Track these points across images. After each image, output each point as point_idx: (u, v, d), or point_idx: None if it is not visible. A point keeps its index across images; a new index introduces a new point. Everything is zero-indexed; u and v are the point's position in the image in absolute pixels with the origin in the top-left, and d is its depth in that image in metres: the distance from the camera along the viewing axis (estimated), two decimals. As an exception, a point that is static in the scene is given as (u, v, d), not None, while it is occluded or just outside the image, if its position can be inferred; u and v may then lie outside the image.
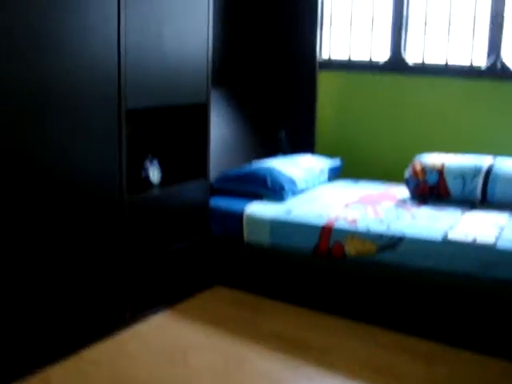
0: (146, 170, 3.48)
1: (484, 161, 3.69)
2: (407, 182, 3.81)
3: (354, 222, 3.37)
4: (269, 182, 3.79)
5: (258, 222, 3.57)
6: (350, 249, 3.30)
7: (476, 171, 3.62)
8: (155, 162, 3.51)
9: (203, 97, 3.60)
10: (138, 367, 2.86)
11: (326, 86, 4.64)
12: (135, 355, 2.98)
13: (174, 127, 3.71)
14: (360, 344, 3.11)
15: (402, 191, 3.92)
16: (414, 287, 3.19)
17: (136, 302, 3.29)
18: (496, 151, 3.90)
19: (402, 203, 3.70)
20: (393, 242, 3.20)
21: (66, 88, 2.75)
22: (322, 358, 2.97)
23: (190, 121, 3.68)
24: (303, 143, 4.60)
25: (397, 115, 4.43)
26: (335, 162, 4.36)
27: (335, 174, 4.37)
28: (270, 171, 3.86)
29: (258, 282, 3.63)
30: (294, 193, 3.87)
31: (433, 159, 3.79)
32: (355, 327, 3.28)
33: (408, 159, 4.01)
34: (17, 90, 2.54)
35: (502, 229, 3.17)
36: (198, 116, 3.65)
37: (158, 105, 3.34)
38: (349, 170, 4.43)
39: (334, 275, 3.40)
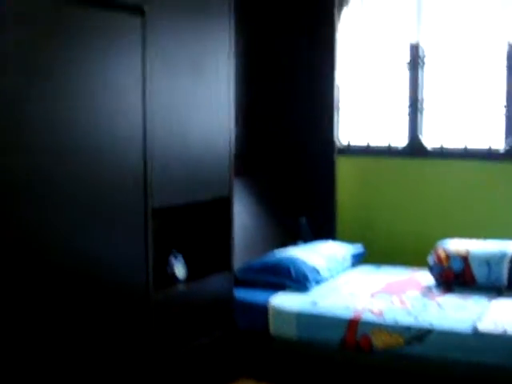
0: (171, 266, 3.49)
1: (509, 246, 3.67)
2: (431, 269, 3.79)
3: (381, 313, 3.34)
4: (293, 273, 3.78)
5: (283, 314, 3.54)
6: (378, 341, 3.26)
7: (501, 257, 3.60)
8: (180, 257, 3.52)
9: (226, 190, 3.64)
10: None
11: (346, 172, 4.68)
12: None
13: (198, 221, 3.74)
14: None
15: (427, 277, 3.89)
16: (443, 380, 3.14)
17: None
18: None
19: (427, 291, 3.67)
20: (421, 334, 3.16)
21: (91, 185, 2.77)
22: None
23: (214, 214, 3.71)
24: (324, 229, 4.61)
25: (417, 199, 4.44)
26: (357, 248, 4.35)
27: (358, 260, 4.35)
28: (293, 261, 3.86)
29: (285, 375, 3.58)
30: (318, 282, 3.86)
31: (456, 245, 3.77)
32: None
33: (430, 243, 4.00)
34: (44, 187, 2.56)
35: (531, 318, 3.14)
36: (222, 209, 3.69)
37: (183, 202, 3.38)
38: (371, 255, 4.42)
39: (361, 369, 3.35)
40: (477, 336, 3.05)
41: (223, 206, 3.68)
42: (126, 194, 2.98)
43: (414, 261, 4.22)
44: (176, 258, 3.52)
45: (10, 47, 2.40)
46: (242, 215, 4.11)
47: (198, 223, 3.75)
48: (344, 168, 4.69)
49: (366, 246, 4.41)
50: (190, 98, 3.34)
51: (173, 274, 3.49)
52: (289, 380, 3.56)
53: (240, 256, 3.97)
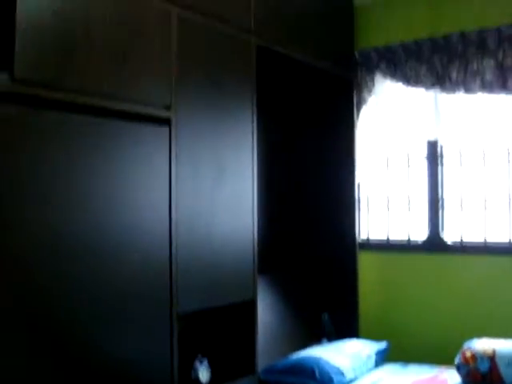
0: (195, 371, 3.48)
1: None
2: (458, 369, 3.74)
3: (409, 418, 3.29)
4: (317, 374, 3.74)
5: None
6: None
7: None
8: (205, 361, 3.51)
9: (250, 293, 3.65)
10: None
11: (367, 267, 4.70)
12: None
13: (223, 325, 3.74)
14: None
15: (453, 376, 3.84)
16: None
17: None
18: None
19: (455, 390, 3.63)
20: None
21: (118, 288, 2.81)
22: None
23: (238, 317, 3.70)
24: (347, 326, 4.59)
25: (440, 295, 4.43)
26: (381, 346, 4.30)
27: (382, 358, 4.30)
28: (318, 362, 3.82)
29: None
30: (343, 383, 3.82)
31: (483, 345, 3.73)
32: None
33: (456, 340, 3.96)
34: (73, 285, 2.62)
35: None
36: (246, 312, 3.69)
37: (208, 307, 3.38)
38: (396, 353, 4.36)
39: None
40: None
41: (247, 309, 3.68)
42: (152, 299, 3.01)
43: (440, 359, 4.16)
44: (201, 362, 3.51)
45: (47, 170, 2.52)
46: (265, 314, 4.11)
47: (223, 326, 3.74)
48: (365, 263, 4.71)
49: (390, 344, 4.37)
50: (215, 198, 3.40)
51: (197, 379, 3.48)
52: None
53: (263, 356, 3.94)
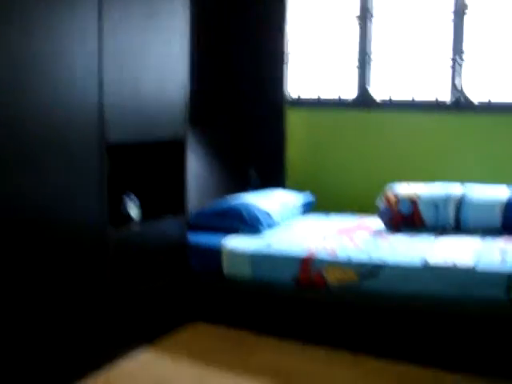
0: (125, 206, 3.47)
1: (455, 189, 3.79)
2: (381, 212, 3.89)
3: (334, 251, 3.41)
4: (245, 216, 3.82)
5: (237, 255, 3.58)
6: (331, 278, 3.33)
7: (448, 199, 3.72)
8: (134, 198, 3.51)
9: (180, 134, 3.64)
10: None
11: (296, 124, 4.73)
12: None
13: (153, 164, 3.73)
14: (349, 371, 3.12)
15: (376, 222, 3.99)
16: (397, 313, 3.24)
17: (118, 339, 3.25)
18: (462, 178, 4.03)
19: (377, 233, 3.77)
20: (374, 270, 3.24)
21: (47, 123, 2.76)
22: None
23: (168, 158, 3.70)
24: (274, 179, 4.65)
25: (366, 149, 4.54)
26: (307, 197, 4.41)
27: (308, 209, 4.42)
28: (246, 206, 3.89)
29: (241, 315, 3.62)
30: (271, 226, 3.90)
31: (405, 189, 3.88)
32: (341, 355, 3.28)
33: (379, 191, 4.10)
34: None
35: (477, 252, 3.25)
36: (176, 153, 3.68)
37: (138, 140, 3.36)
38: (321, 204, 4.49)
39: (315, 305, 3.42)
40: (427, 269, 3.15)
41: (177, 150, 3.68)
42: (82, 130, 2.96)
43: (365, 209, 4.31)
44: (130, 198, 3.50)
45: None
46: (196, 164, 4.11)
47: (154, 165, 3.74)
48: (295, 120, 4.73)
49: (315, 196, 4.48)
50: (146, 45, 3.33)
51: (127, 214, 3.48)
52: (244, 321, 3.60)
53: (193, 203, 3.98)
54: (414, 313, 3.19)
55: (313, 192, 4.50)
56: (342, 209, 4.45)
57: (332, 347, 3.35)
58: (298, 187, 4.56)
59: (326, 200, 4.53)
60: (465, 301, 3.07)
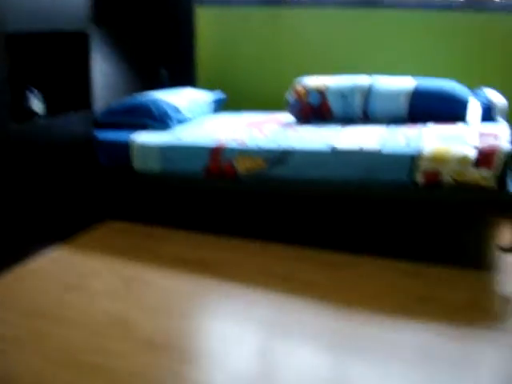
0: (28, 101, 3.35)
1: (363, 80, 3.82)
2: (290, 105, 3.90)
3: (243, 141, 3.41)
4: (154, 112, 3.75)
5: (147, 149, 3.54)
6: (241, 167, 3.35)
7: (356, 90, 3.75)
8: (38, 93, 3.39)
9: (83, 26, 3.51)
10: (38, 296, 2.79)
11: (206, 22, 4.65)
12: (34, 286, 2.90)
13: (57, 58, 3.59)
14: (262, 257, 3.19)
15: (286, 116, 4.00)
16: (305, 199, 3.30)
17: (28, 237, 3.21)
18: (370, 71, 4.06)
19: (287, 125, 3.79)
20: (282, 157, 3.27)
21: None
22: (224, 272, 3.03)
23: (72, 52, 3.58)
24: (185, 78, 4.58)
25: (277, 46, 4.55)
26: (218, 95, 4.37)
27: (219, 107, 4.39)
28: (155, 101, 3.82)
29: (152, 209, 3.62)
30: (180, 121, 3.86)
31: (314, 81, 3.89)
32: (253, 243, 3.35)
33: (288, 86, 4.10)
34: None
35: (383, 137, 3.32)
36: (79, 47, 3.56)
37: (38, 29, 3.21)
38: (232, 102, 4.46)
39: (226, 194, 3.45)
40: (335, 154, 3.20)
41: (80, 43, 3.56)
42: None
43: (275, 105, 4.31)
44: (33, 92, 3.38)
45: None
46: (103, 64, 3.97)
47: (57, 60, 3.60)
48: (204, 18, 4.64)
49: (227, 94, 4.44)
50: None
51: (30, 109, 3.36)
52: (155, 215, 3.60)
53: (101, 101, 3.88)
54: (322, 198, 3.27)
55: (224, 90, 4.46)
56: (253, 106, 4.43)
57: (242, 236, 3.40)
58: (209, 86, 4.51)
59: (238, 98, 4.53)
60: (371, 184, 3.15)
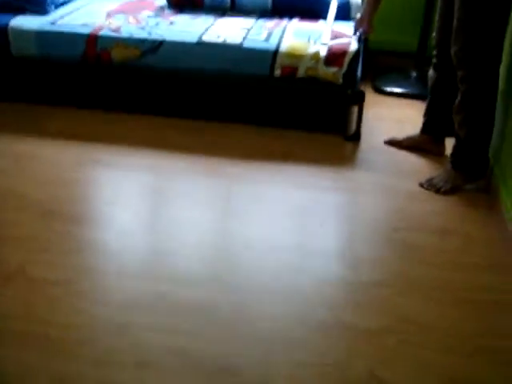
0: None
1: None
2: (162, -9, 4.10)
3: (118, 30, 3.61)
4: (30, -5, 3.83)
5: (23, 34, 3.62)
6: (116, 55, 3.56)
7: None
8: None
9: None
10: None
11: None
12: None
13: None
14: (128, 128, 3.54)
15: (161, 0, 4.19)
16: (173, 86, 3.62)
17: None
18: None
19: (160, 12, 3.98)
20: (154, 47, 3.52)
21: None
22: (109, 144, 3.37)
23: None
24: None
25: None
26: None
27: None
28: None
29: (34, 91, 3.79)
30: (57, 5, 3.96)
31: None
32: (132, 117, 3.67)
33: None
34: None
35: (248, 31, 3.63)
36: None
37: None
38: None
39: (102, 80, 3.70)
40: (201, 45, 3.49)
41: None
42: None
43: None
44: None
45: None
46: None
47: None
48: None
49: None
50: None
51: None
52: (35, 97, 3.78)
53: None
54: (190, 84, 3.59)
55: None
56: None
57: (117, 111, 3.72)
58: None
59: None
60: (233, 76, 3.49)
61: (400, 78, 4.35)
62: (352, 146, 3.48)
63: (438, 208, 2.90)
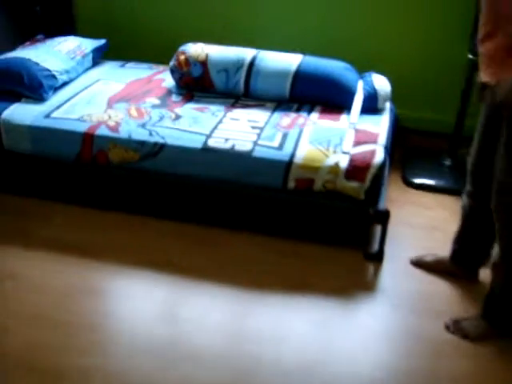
0: None
1: (247, 53, 3.63)
2: (172, 72, 3.72)
3: (117, 128, 3.25)
4: (25, 79, 3.49)
5: (16, 128, 3.31)
6: (114, 157, 3.24)
7: (239, 64, 3.58)
8: None
9: None
10: None
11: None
12: None
13: None
14: (129, 235, 3.23)
15: (169, 77, 3.80)
16: (174, 192, 3.31)
17: None
18: (258, 45, 3.83)
19: (166, 98, 3.61)
20: (154, 151, 3.17)
21: None
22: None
23: None
24: (63, 24, 4.28)
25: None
26: (99, 42, 4.09)
27: (100, 56, 4.13)
28: (25, 65, 3.54)
29: (23, 186, 3.50)
30: (55, 88, 3.63)
31: (197, 50, 3.67)
32: (124, 221, 3.35)
33: (173, 42, 3.90)
34: None
35: (260, 131, 3.24)
36: None
37: None
38: (114, 51, 4.21)
39: (98, 182, 3.41)
40: (206, 152, 3.11)
41: None
42: None
43: (160, 58, 4.09)
44: None
45: None
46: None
47: None
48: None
49: (110, 42, 4.17)
50: None
51: None
52: (28, 192, 3.50)
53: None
54: (194, 190, 3.25)
55: (107, 38, 4.16)
56: (137, 57, 4.21)
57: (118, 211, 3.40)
58: (91, 33, 4.21)
59: (122, 47, 4.30)
60: (242, 185, 3.13)
61: (432, 165, 3.93)
62: (373, 267, 3.10)
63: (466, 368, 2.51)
